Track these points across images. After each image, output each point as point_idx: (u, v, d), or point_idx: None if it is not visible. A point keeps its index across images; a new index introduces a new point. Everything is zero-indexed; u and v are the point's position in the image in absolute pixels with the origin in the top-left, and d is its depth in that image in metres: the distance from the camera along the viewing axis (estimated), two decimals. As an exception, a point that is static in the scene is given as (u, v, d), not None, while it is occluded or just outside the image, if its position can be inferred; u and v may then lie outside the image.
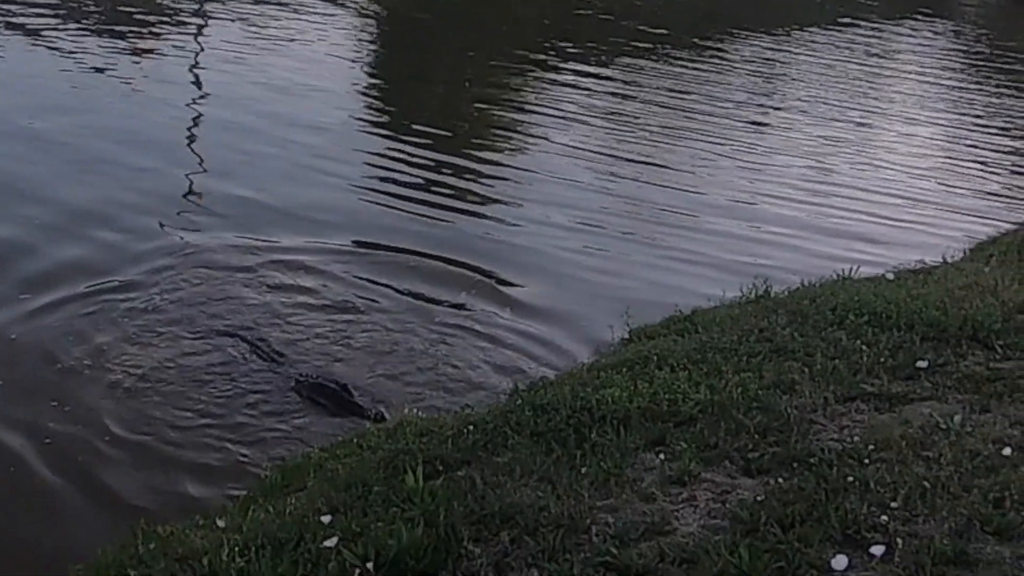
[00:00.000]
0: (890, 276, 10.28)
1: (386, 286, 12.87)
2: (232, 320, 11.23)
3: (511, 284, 13.24)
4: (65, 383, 9.57)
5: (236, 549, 4.90)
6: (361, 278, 12.98)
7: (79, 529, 7.49)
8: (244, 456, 8.54)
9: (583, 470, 5.61)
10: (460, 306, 12.37)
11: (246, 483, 7.51)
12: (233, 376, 9.94)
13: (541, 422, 6.27)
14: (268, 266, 12.83)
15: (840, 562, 4.50)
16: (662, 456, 5.78)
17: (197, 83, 21.17)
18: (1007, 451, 5.50)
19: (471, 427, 6.35)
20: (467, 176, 17.55)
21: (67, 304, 11.12)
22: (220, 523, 5.51)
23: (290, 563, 4.71)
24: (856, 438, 5.83)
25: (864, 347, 7.24)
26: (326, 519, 5.21)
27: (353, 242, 14.13)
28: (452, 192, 16.60)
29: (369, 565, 4.67)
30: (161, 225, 13.73)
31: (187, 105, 19.33)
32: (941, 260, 11.69)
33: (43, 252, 12.47)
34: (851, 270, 10.37)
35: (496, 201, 16.68)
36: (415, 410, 7.88)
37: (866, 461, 5.49)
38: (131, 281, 11.93)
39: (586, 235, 15.40)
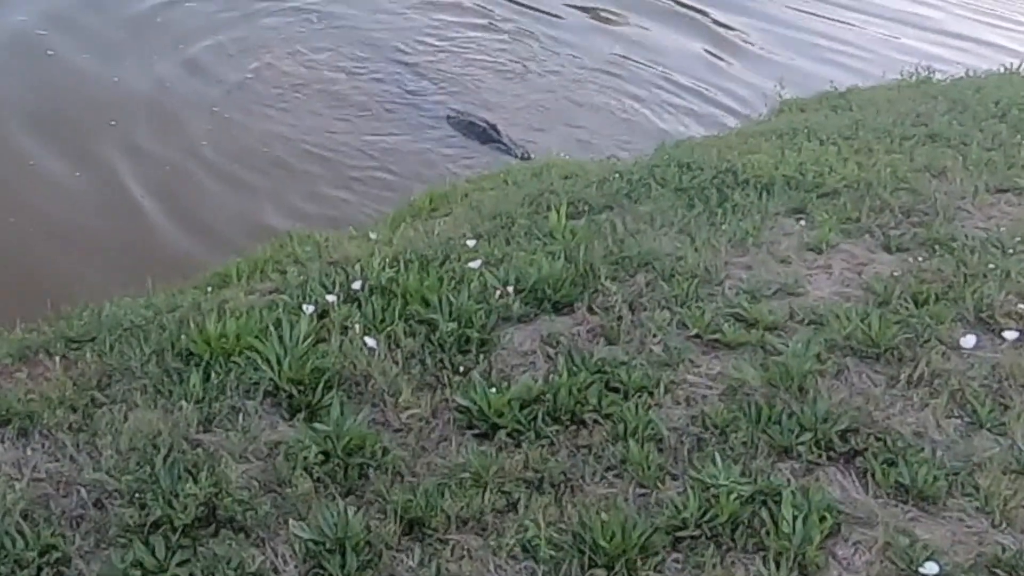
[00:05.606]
0: (1061, 76, 9.82)
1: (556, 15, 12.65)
2: (392, 48, 11.29)
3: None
4: (228, 94, 9.94)
5: (386, 260, 5.17)
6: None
7: (232, 228, 7.91)
8: (394, 179, 8.84)
9: (722, 227, 5.71)
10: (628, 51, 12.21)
11: (394, 204, 7.78)
12: (388, 104, 10.14)
13: (686, 178, 6.33)
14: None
15: (969, 341, 4.58)
16: (802, 223, 5.83)
17: None
18: None
19: (616, 175, 6.46)
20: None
21: (227, 22, 11.36)
22: (372, 236, 5.79)
23: (436, 278, 4.95)
24: (1003, 228, 5.77)
25: (1024, 142, 7.06)
26: (471, 243, 5.44)
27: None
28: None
29: (510, 288, 4.90)
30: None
31: None
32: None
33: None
34: (1020, 65, 9.92)
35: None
36: (562, 153, 8.01)
37: (1010, 251, 5.47)
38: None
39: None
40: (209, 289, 5.24)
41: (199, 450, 3.80)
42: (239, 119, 9.63)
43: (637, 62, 12.16)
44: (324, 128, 9.49)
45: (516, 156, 9.32)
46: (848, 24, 15.20)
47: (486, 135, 9.80)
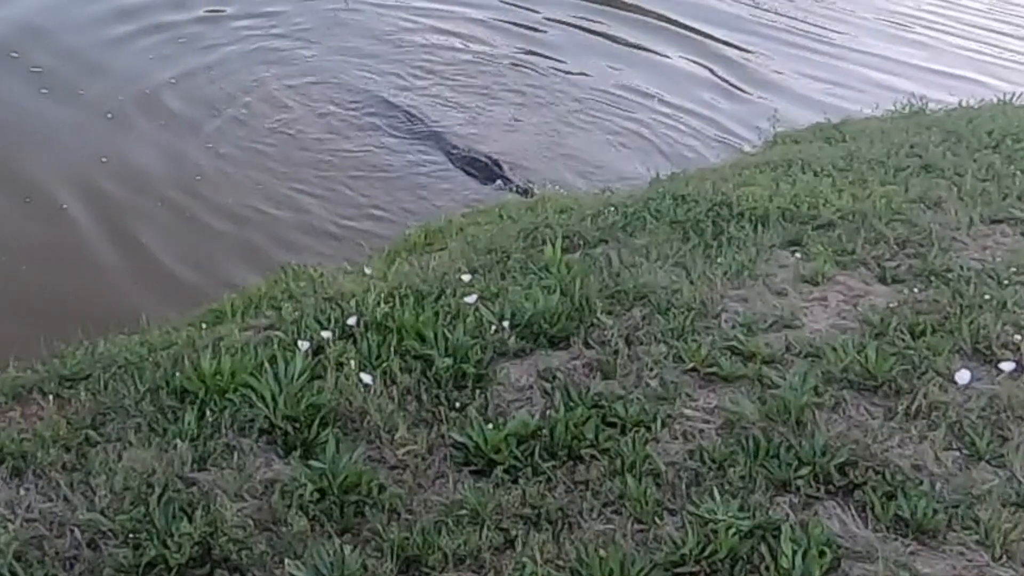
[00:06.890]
0: (1054, 106, 9.86)
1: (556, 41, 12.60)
2: (389, 80, 11.27)
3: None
4: (221, 127, 9.92)
5: (382, 295, 5.16)
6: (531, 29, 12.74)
7: (229, 260, 7.88)
8: (389, 214, 8.81)
9: (718, 260, 5.70)
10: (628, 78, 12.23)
11: (390, 239, 7.77)
12: (384, 139, 10.11)
13: (680, 211, 6.34)
14: (431, 19, 12.59)
15: (963, 376, 4.55)
16: (797, 255, 5.83)
17: None
18: None
19: (611, 208, 6.46)
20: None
21: (206, 50, 11.35)
22: (367, 271, 5.78)
23: (431, 313, 4.94)
24: (998, 259, 5.77)
25: (1018, 172, 7.06)
26: (466, 278, 5.43)
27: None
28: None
29: (505, 323, 4.89)
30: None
31: None
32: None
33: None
34: (1013, 96, 9.96)
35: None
36: (557, 187, 8.01)
37: (1005, 282, 5.45)
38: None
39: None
40: (203, 325, 5.22)
41: (194, 489, 3.77)
42: (223, 163, 9.56)
43: (638, 87, 12.17)
44: (315, 166, 9.45)
45: (520, 191, 9.24)
46: (841, 60, 15.29)
47: (488, 171, 9.72)
